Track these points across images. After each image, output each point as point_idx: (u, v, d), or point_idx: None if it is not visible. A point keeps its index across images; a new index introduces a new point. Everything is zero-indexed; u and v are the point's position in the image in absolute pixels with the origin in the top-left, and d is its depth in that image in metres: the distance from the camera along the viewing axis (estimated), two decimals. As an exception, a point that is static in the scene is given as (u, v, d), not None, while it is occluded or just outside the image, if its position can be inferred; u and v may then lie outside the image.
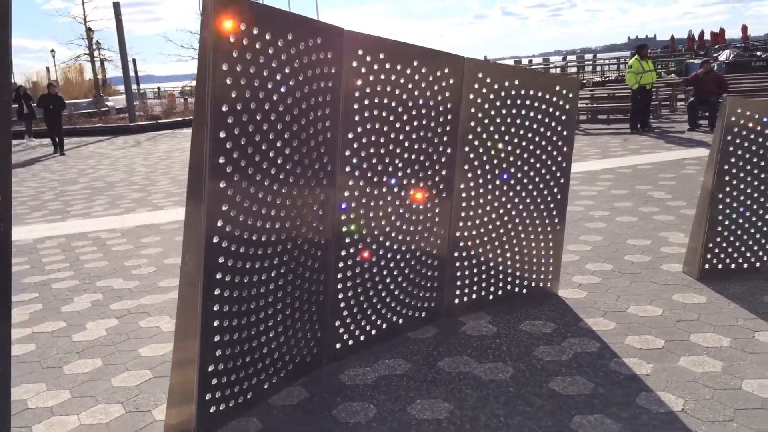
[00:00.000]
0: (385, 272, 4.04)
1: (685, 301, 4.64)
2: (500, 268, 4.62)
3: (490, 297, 4.64)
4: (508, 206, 4.51)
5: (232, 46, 2.82)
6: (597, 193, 8.36)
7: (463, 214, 4.34)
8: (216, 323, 3.09)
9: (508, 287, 4.70)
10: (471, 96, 4.13)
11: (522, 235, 4.62)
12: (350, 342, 3.99)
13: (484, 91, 4.17)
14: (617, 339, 4.09)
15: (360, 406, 3.44)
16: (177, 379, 3.22)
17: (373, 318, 4.07)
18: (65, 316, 5.00)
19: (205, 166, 2.86)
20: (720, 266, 5.00)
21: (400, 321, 4.25)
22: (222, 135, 2.88)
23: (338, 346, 3.94)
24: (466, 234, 4.40)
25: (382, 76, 3.66)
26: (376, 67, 3.61)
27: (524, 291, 4.76)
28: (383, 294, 4.07)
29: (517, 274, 4.70)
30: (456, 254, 4.41)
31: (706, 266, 4.99)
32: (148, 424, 3.37)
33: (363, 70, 3.55)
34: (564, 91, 4.47)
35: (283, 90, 3.13)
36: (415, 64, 3.80)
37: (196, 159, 2.91)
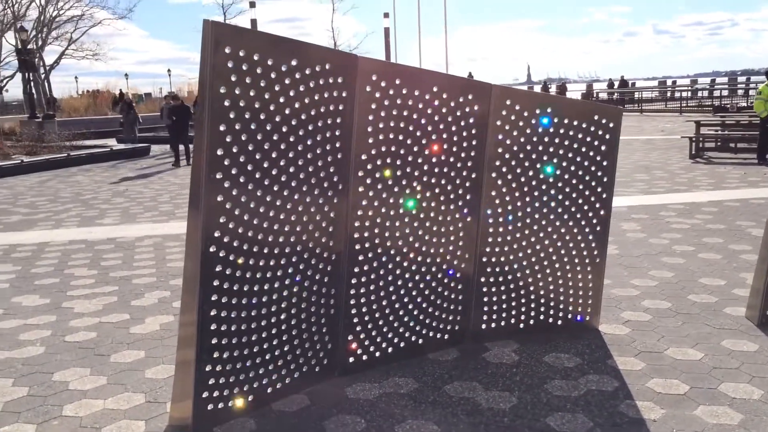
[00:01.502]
0: (402, 292, 4.12)
1: (734, 347, 4.35)
2: (532, 297, 4.55)
3: (521, 325, 4.58)
4: (541, 234, 4.44)
5: (230, 71, 3.05)
6: (690, 227, 7.92)
7: (490, 239, 4.34)
8: (213, 327, 3.32)
9: (541, 317, 4.61)
10: (498, 122, 4.13)
11: (557, 266, 4.53)
12: (364, 357, 4.10)
13: (513, 118, 4.16)
14: (640, 381, 3.92)
15: (351, 420, 3.55)
16: (180, 377, 3.48)
17: (390, 336, 4.16)
18: (132, 310, 5.47)
19: (202, 180, 3.10)
20: (785, 313, 4.63)
21: (420, 341, 4.30)
22: (219, 152, 3.12)
23: (351, 360, 4.06)
24: (494, 260, 4.38)
25: (399, 101, 3.77)
26: (391, 92, 3.73)
27: (559, 322, 4.66)
28: (401, 313, 4.15)
29: (552, 304, 4.61)
30: (483, 279, 4.40)
31: (768, 312, 4.64)
32: (160, 414, 3.65)
33: (377, 95, 3.68)
34: (603, 121, 4.36)
35: (287, 111, 3.33)
36: (434, 90, 3.87)
37: (196, 173, 3.16)
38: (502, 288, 4.47)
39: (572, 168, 4.38)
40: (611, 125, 4.38)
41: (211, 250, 3.21)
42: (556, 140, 4.30)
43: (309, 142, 3.48)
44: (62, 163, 17.07)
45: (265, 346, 3.59)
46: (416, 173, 3.95)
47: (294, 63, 3.30)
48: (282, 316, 3.63)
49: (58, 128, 22.97)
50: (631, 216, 8.69)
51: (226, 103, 3.08)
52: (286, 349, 3.71)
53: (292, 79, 3.31)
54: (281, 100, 3.29)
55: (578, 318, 4.68)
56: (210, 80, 3.01)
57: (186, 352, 3.37)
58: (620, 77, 41.30)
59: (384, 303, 4.07)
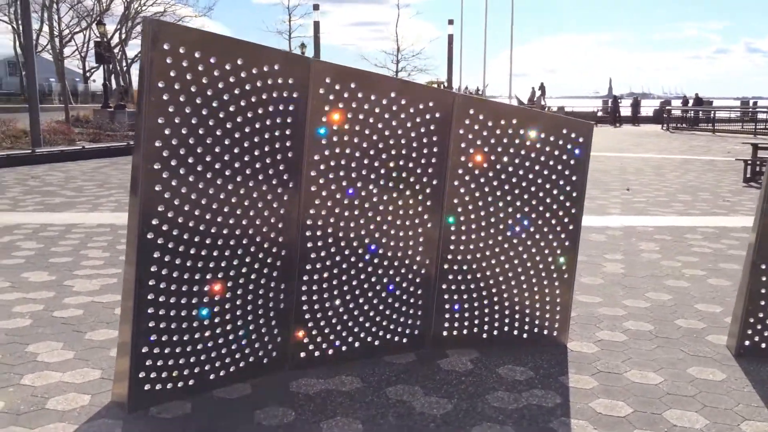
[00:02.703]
0: (357, 292, 4.18)
1: (698, 375, 4.21)
2: (496, 307, 4.52)
3: (484, 335, 4.56)
4: (505, 245, 4.42)
5: (168, 67, 3.20)
6: (711, 251, 7.64)
7: (452, 247, 4.35)
8: (150, 311, 3.47)
9: (506, 329, 4.58)
10: (461, 131, 4.15)
11: (522, 278, 4.50)
12: (316, 353, 4.17)
13: (476, 127, 4.16)
14: (585, 399, 3.86)
15: (283, 412, 3.63)
16: (120, 356, 3.64)
17: (344, 334, 4.23)
18: (125, 293, 5.71)
19: (140, 170, 3.26)
20: (764, 344, 4.45)
21: (376, 342, 4.35)
22: (157, 144, 3.27)
23: (303, 354, 4.14)
24: (455, 267, 4.39)
25: (354, 104, 3.84)
26: (346, 95, 3.80)
27: (525, 336, 4.62)
28: (355, 313, 4.21)
29: (516, 317, 4.57)
30: (444, 286, 4.41)
31: (746, 342, 4.47)
32: (107, 390, 3.83)
33: (331, 97, 3.76)
34: (573, 135, 4.30)
35: (231, 109, 3.45)
36: (392, 95, 3.93)
37: (135, 162, 3.32)
38: (465, 296, 4.46)
39: (539, 181, 4.34)
40: (581, 140, 4.32)
41: (149, 236, 3.37)
42: (522, 152, 4.27)
43: (256, 140, 3.59)
44: (122, 151, 17.83)
45: (207, 334, 3.72)
46: (372, 176, 4.01)
47: (239, 62, 3.42)
48: (226, 306, 3.75)
49: (127, 118, 23.99)
50: (654, 236, 8.45)
51: (165, 97, 3.23)
52: (230, 338, 3.83)
53: (237, 78, 3.43)
54: (225, 97, 3.42)
55: (544, 332, 4.62)
56: (148, 74, 3.16)
57: (125, 333, 3.53)
58: (695, 95, 39.90)
59: (337, 302, 4.14)
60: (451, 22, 30.34)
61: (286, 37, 42.29)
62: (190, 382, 3.74)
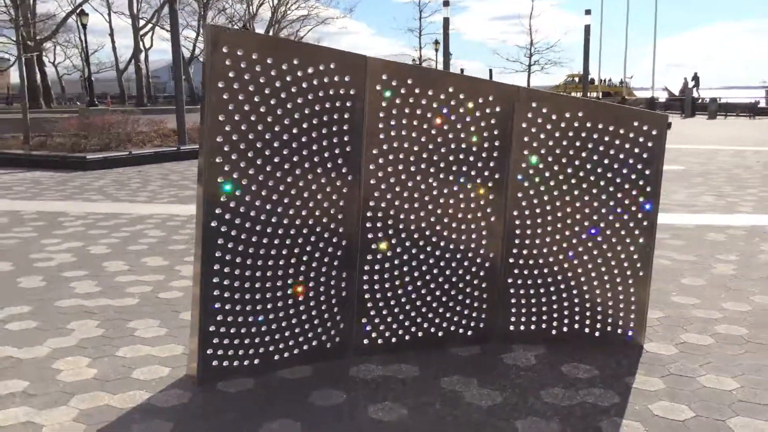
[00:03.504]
0: (419, 283, 4.28)
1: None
2: (565, 304, 4.45)
3: (553, 332, 4.50)
4: (574, 241, 4.33)
5: (227, 68, 3.47)
6: (843, 254, 6.97)
7: (517, 241, 4.33)
8: (216, 293, 3.77)
9: (576, 326, 4.49)
10: (524, 125, 4.12)
11: (593, 275, 4.39)
12: (379, 341, 4.32)
13: (540, 120, 4.12)
14: (645, 401, 3.73)
15: (336, 394, 3.81)
16: (192, 335, 3.98)
17: (407, 324, 4.34)
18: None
19: (204, 163, 3.56)
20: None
21: (440, 334, 4.42)
22: (219, 139, 3.55)
23: (365, 341, 4.31)
24: (521, 262, 4.37)
25: (411, 100, 3.94)
26: (403, 91, 3.91)
27: (597, 334, 4.50)
28: (418, 304, 4.32)
29: (587, 314, 4.47)
30: (510, 280, 4.41)
31: None
32: (185, 364, 4.19)
33: (387, 94, 3.89)
34: (645, 128, 4.14)
35: (289, 106, 3.68)
36: (450, 90, 3.98)
37: (201, 156, 3.62)
38: (531, 291, 4.43)
39: (609, 175, 4.22)
40: (654, 133, 4.15)
41: (213, 224, 3.66)
42: (589, 145, 4.17)
43: (314, 135, 3.79)
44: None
45: (270, 317, 3.97)
46: (432, 170, 4.09)
47: (295, 62, 3.63)
48: (288, 292, 3.98)
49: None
50: (781, 237, 7.83)
51: (225, 96, 3.50)
52: (293, 322, 4.06)
53: (293, 76, 3.64)
54: (282, 95, 3.64)
55: (618, 331, 4.49)
56: (209, 75, 3.45)
57: (195, 314, 3.86)
58: None
59: (399, 292, 4.26)
60: (588, 12, 29.23)
61: (417, 35, 42.72)
62: (255, 362, 4.01)
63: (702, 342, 4.58)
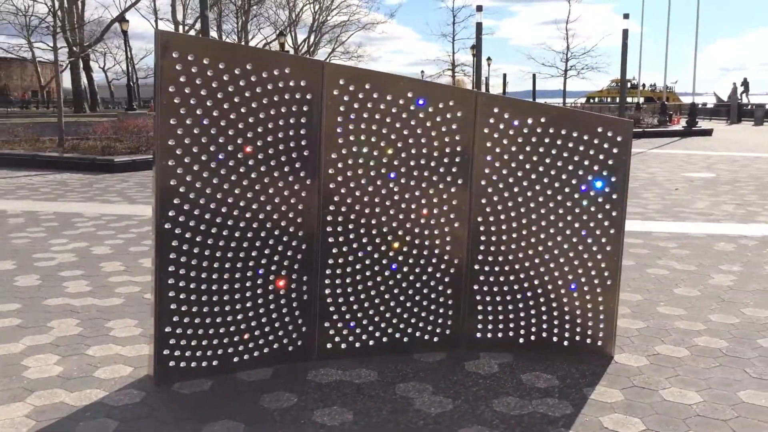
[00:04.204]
0: (382, 288, 4.27)
1: (748, 399, 3.81)
2: (532, 311, 4.39)
3: (520, 340, 4.44)
4: (540, 248, 4.27)
5: (178, 73, 3.52)
6: None
7: (482, 247, 4.29)
8: (171, 294, 3.82)
9: (544, 335, 4.42)
10: (486, 130, 4.09)
11: (559, 283, 4.32)
12: (342, 346, 4.32)
13: (502, 126, 4.07)
14: (598, 413, 3.65)
15: (287, 398, 3.82)
16: (153, 333, 4.04)
17: (370, 329, 4.33)
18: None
19: (156, 167, 3.62)
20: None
21: (405, 339, 4.40)
22: (171, 143, 3.61)
23: (329, 346, 4.31)
24: (487, 269, 4.32)
25: (369, 105, 3.94)
26: (361, 95, 3.91)
27: (565, 343, 4.42)
28: (381, 309, 4.31)
29: (555, 323, 4.39)
30: (476, 287, 4.36)
31: None
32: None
33: (345, 98, 3.90)
34: (609, 134, 4.06)
35: (243, 110, 3.72)
36: (409, 95, 3.97)
37: (155, 159, 3.69)
38: (498, 298, 4.38)
39: (573, 182, 4.15)
40: (619, 139, 4.07)
41: (166, 226, 3.72)
42: (554, 151, 4.11)
43: (270, 139, 3.82)
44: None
45: (228, 319, 4.01)
46: (393, 175, 4.08)
47: (248, 67, 3.67)
48: (247, 294, 4.02)
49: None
50: (792, 248, 7.58)
51: (176, 100, 3.55)
52: (252, 325, 4.09)
53: (247, 81, 3.68)
54: (236, 99, 3.68)
55: (587, 341, 4.40)
56: (159, 79, 3.51)
57: (153, 313, 3.92)
58: None
59: (362, 297, 4.26)
60: (626, 16, 28.66)
61: (450, 40, 42.82)
62: (214, 363, 4.05)
63: (675, 354, 4.47)
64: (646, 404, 3.75)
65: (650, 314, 5.28)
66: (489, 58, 60.03)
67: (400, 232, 4.19)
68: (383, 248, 4.21)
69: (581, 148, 4.10)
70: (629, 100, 45.99)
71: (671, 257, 7.18)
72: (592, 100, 75.80)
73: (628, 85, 65.28)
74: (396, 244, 4.20)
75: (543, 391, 3.93)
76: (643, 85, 65.76)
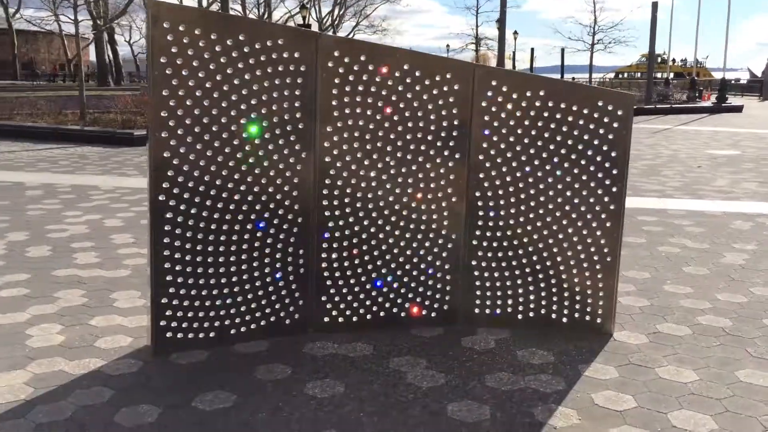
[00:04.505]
0: (379, 263, 4.26)
1: (745, 378, 3.76)
2: (531, 288, 4.35)
3: (519, 316, 4.42)
4: (538, 224, 4.22)
5: (169, 44, 3.51)
6: None
7: (480, 222, 4.25)
8: (167, 266, 3.85)
9: (542, 311, 4.39)
10: (483, 104, 4.03)
11: (558, 259, 4.27)
12: (340, 319, 4.33)
13: (500, 99, 4.01)
14: (591, 390, 3.63)
15: (281, 369, 3.85)
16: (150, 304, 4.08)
17: (367, 303, 4.34)
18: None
19: (150, 138, 3.63)
20: None
21: (402, 314, 4.40)
22: (163, 114, 3.61)
23: (326, 319, 4.33)
24: (485, 244, 4.29)
25: (364, 77, 3.90)
26: (356, 68, 3.87)
27: (564, 320, 4.39)
28: (378, 283, 4.30)
29: (554, 300, 4.36)
30: (474, 263, 4.34)
31: (823, 348, 3.88)
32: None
33: (341, 70, 3.86)
34: (610, 107, 3.97)
35: (236, 81, 3.70)
36: (405, 67, 3.92)
37: (149, 132, 3.69)
38: (496, 274, 4.35)
39: (573, 157, 4.08)
40: (620, 113, 3.98)
41: (161, 198, 3.74)
42: (552, 125, 4.04)
43: (263, 111, 3.81)
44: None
45: (225, 291, 4.04)
46: (389, 148, 4.05)
47: (241, 38, 3.64)
48: (242, 267, 4.03)
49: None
50: (810, 227, 7.42)
51: (167, 71, 3.55)
52: (249, 297, 4.11)
53: (239, 52, 3.66)
54: (228, 70, 3.67)
55: (586, 319, 4.36)
56: (150, 50, 3.50)
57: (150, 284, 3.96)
58: None
59: (359, 270, 4.26)
60: (654, -10, 28.03)
61: (473, 13, 42.36)
62: (211, 335, 4.08)
63: (676, 333, 4.41)
64: (640, 382, 3.72)
65: (655, 292, 5.22)
66: (515, 32, 59.18)
67: (396, 206, 4.17)
68: (380, 222, 4.19)
69: (581, 122, 4.02)
70: (658, 75, 45.10)
71: (684, 235, 7.06)
72: (621, 75, 74.55)
73: (658, 60, 64.09)
74: (393, 218, 4.18)
75: (537, 367, 3.91)
76: (673, 60, 64.43)
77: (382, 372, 3.83)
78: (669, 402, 3.49)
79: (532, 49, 69.93)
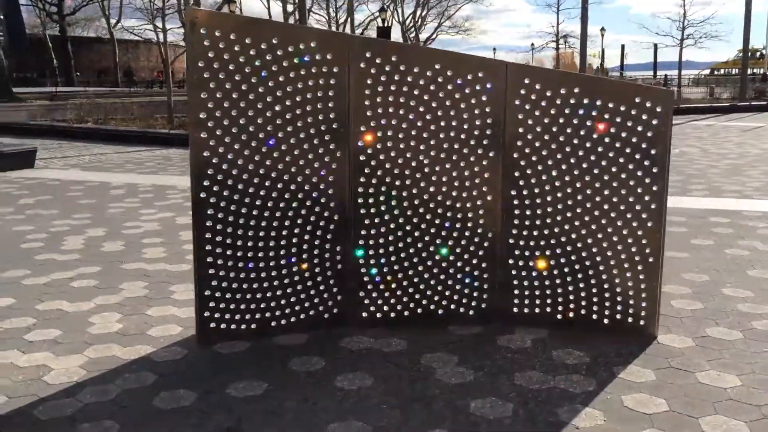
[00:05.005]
0: (416, 260, 4.32)
1: (791, 385, 3.59)
2: (570, 288, 4.29)
3: (558, 316, 4.37)
4: (576, 224, 4.16)
5: (206, 48, 3.70)
6: None
7: (516, 221, 4.24)
8: (209, 259, 4.05)
9: (582, 312, 4.32)
10: (517, 102, 4.01)
11: (597, 260, 4.20)
12: (378, 315, 4.42)
13: (533, 97, 3.99)
14: (622, 392, 3.56)
15: (315, 361, 3.97)
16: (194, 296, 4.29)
17: (405, 300, 4.40)
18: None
19: (191, 139, 3.84)
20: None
21: (440, 311, 4.44)
22: (202, 116, 3.80)
23: (364, 315, 4.42)
24: (522, 243, 4.27)
25: (397, 77, 3.97)
26: (387, 68, 3.95)
27: (605, 321, 4.30)
28: (416, 281, 4.36)
29: (595, 301, 4.28)
30: (512, 262, 4.32)
31: None
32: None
33: (373, 71, 3.95)
34: (648, 104, 3.87)
35: (270, 84, 3.85)
36: (437, 67, 3.96)
37: (189, 132, 3.90)
38: (534, 274, 4.32)
39: (611, 154, 4.00)
40: (658, 109, 3.87)
41: (202, 195, 3.93)
42: (589, 123, 3.98)
43: (298, 112, 3.95)
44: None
45: (265, 285, 4.20)
46: (422, 147, 4.10)
47: (274, 41, 3.79)
48: (282, 263, 4.19)
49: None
50: None
51: (205, 75, 3.73)
52: (288, 291, 4.26)
53: (273, 55, 3.81)
54: (263, 73, 3.82)
55: (629, 320, 4.26)
56: (189, 55, 3.70)
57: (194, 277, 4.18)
58: None
59: (396, 268, 4.33)
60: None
61: (554, 11, 41.69)
62: (253, 326, 4.26)
63: (726, 337, 4.25)
64: (677, 386, 3.61)
65: (712, 295, 5.02)
66: (602, 29, 57.57)
67: (431, 205, 4.22)
68: (415, 220, 4.24)
69: (618, 120, 3.94)
70: (755, 70, 42.75)
71: (755, 237, 6.74)
72: (717, 72, 71.09)
73: (757, 55, 60.67)
74: (428, 216, 4.23)
75: (571, 367, 3.86)
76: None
77: (412, 367, 3.89)
78: (703, 407, 3.38)
79: (623, 46, 67.81)
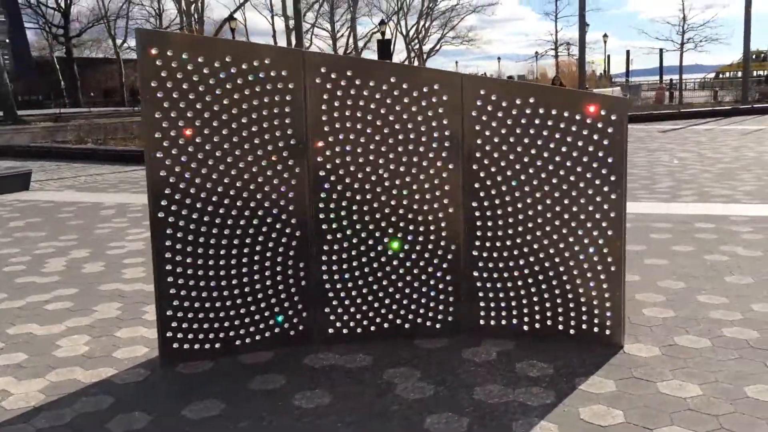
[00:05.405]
0: (380, 275, 4.30)
1: (753, 395, 3.54)
2: (534, 298, 4.26)
3: (524, 327, 4.33)
4: (537, 233, 4.14)
5: (158, 68, 3.71)
6: None
7: (479, 233, 4.21)
8: (169, 279, 4.05)
9: (548, 323, 4.28)
10: (474, 113, 4.00)
11: (560, 270, 4.16)
12: (344, 330, 4.39)
13: (490, 108, 3.97)
14: (581, 404, 3.52)
15: (275, 379, 3.95)
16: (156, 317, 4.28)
17: (370, 315, 4.38)
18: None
19: (146, 159, 3.84)
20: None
21: (406, 326, 4.41)
22: (157, 135, 3.81)
23: (330, 331, 4.40)
24: (485, 254, 4.25)
25: (353, 91, 3.97)
26: (343, 83, 3.95)
27: (571, 332, 4.27)
28: (380, 295, 4.34)
29: (559, 311, 4.25)
30: (476, 274, 4.30)
31: None
32: (167, 346, 4.52)
33: (328, 86, 3.95)
34: (603, 113, 3.85)
35: (225, 101, 3.86)
36: (392, 80, 3.96)
37: (144, 154, 3.91)
38: (498, 285, 4.29)
39: (568, 164, 3.98)
40: (613, 117, 3.85)
41: (160, 215, 3.93)
42: (545, 132, 3.96)
43: (254, 129, 3.95)
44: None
45: (228, 304, 4.18)
46: (381, 161, 4.09)
47: (228, 59, 3.80)
48: (243, 280, 4.17)
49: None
50: None
51: (159, 94, 3.75)
52: (252, 309, 4.24)
53: (227, 73, 3.82)
54: (218, 91, 3.83)
55: (595, 330, 4.22)
56: (141, 76, 3.72)
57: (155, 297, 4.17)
58: None
59: (360, 282, 4.31)
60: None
61: (552, 19, 42.15)
62: (216, 345, 4.24)
63: (694, 345, 4.20)
64: (636, 396, 3.57)
65: (686, 303, 4.97)
66: (605, 35, 57.58)
67: (393, 218, 4.20)
68: (377, 234, 4.23)
69: (574, 129, 3.92)
70: (760, 73, 42.59)
71: (738, 243, 6.68)
72: (722, 75, 70.87)
73: (762, 57, 60.49)
74: (390, 230, 4.21)
75: (532, 380, 3.82)
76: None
77: (373, 383, 3.86)
78: (660, 418, 3.34)
79: (627, 52, 67.77)
